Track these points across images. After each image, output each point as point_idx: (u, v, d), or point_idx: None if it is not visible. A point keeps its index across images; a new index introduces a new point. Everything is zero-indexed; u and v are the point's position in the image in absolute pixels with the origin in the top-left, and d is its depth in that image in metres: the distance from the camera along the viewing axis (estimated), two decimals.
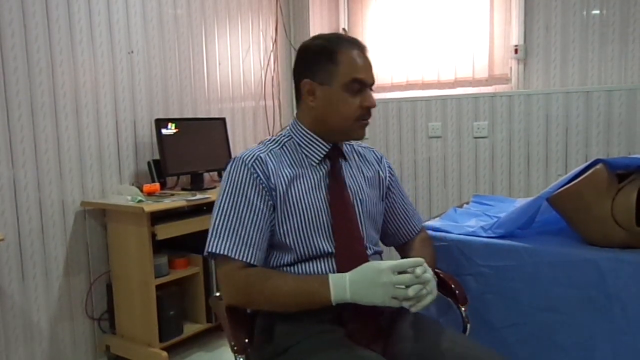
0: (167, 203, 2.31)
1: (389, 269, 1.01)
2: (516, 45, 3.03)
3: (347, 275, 1.04)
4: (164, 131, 2.59)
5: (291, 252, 1.15)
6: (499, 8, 3.12)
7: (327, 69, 1.16)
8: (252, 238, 1.11)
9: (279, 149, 1.21)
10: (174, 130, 2.64)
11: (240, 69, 3.30)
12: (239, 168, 1.14)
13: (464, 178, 3.15)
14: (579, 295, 1.26)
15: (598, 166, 1.28)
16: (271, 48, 3.50)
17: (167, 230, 2.35)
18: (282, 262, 1.15)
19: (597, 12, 2.86)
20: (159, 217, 2.34)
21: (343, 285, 1.03)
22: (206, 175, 2.84)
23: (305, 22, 3.51)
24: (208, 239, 1.13)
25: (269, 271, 1.14)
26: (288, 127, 1.26)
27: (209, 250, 1.12)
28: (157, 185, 2.52)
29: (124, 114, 2.61)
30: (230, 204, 1.13)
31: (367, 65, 1.20)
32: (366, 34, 3.58)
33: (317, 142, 1.22)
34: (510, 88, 3.11)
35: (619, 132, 2.73)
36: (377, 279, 1.01)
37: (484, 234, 1.44)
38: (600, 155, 2.74)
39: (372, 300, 1.02)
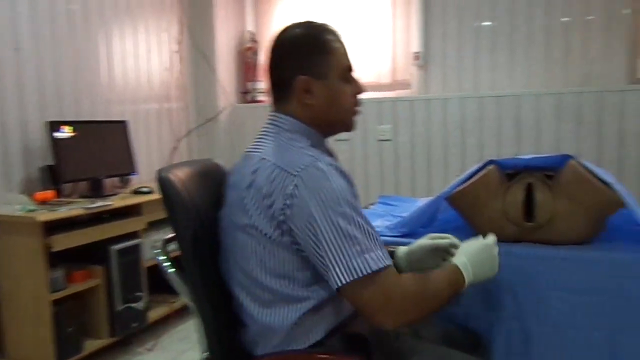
0: (63, 212, 2.17)
1: (494, 244, 1.13)
2: (416, 52, 3.19)
3: (465, 258, 1.09)
4: (58, 134, 2.42)
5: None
6: (400, 16, 3.26)
7: (322, 61, 1.07)
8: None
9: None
10: (71, 134, 2.48)
11: (143, 70, 3.17)
12: (338, 175, 0.98)
13: (370, 180, 3.25)
14: (475, 288, 1.33)
15: (490, 167, 1.37)
16: (176, 49, 3.40)
17: (65, 241, 2.20)
18: (322, 297, 1.04)
19: (489, 23, 3.08)
20: (55, 227, 2.18)
21: (468, 269, 1.07)
22: (107, 182, 2.70)
23: (210, 23, 3.45)
24: (350, 261, 0.94)
25: (415, 273, 1.05)
26: (279, 129, 1.08)
27: (372, 269, 0.93)
28: (51, 192, 2.35)
29: (11, 115, 2.40)
30: (357, 211, 0.98)
31: (347, 50, 1.13)
32: None
33: (322, 141, 1.14)
34: (411, 93, 3.26)
35: (508, 134, 2.96)
36: (491, 253, 1.11)
37: (390, 233, 1.48)
38: (493, 156, 2.91)
39: (488, 276, 1.10)
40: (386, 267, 0.95)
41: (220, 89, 3.50)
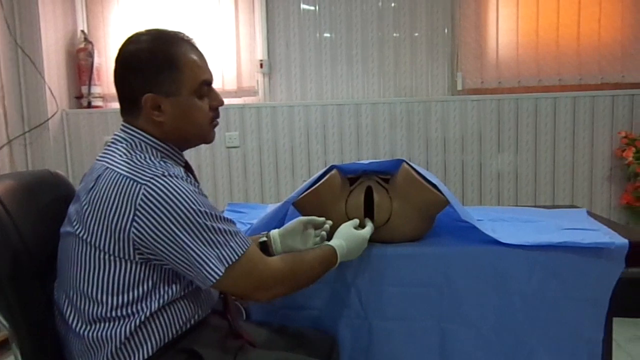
0: None
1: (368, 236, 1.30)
2: (261, 60, 3.21)
3: (344, 242, 1.24)
4: None
5: (178, 283, 1.04)
6: (243, 23, 3.25)
7: (171, 79, 1.03)
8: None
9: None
10: None
11: None
12: (179, 181, 0.98)
13: (218, 187, 3.20)
14: (324, 289, 1.38)
15: (333, 172, 1.40)
16: None
17: None
18: (168, 297, 1.02)
19: (328, 35, 3.22)
20: None
21: (343, 252, 1.22)
22: None
23: (33, 19, 3.09)
24: (220, 252, 0.99)
25: (287, 253, 1.20)
26: (129, 141, 1.05)
27: (238, 254, 1.01)
28: None
29: None
30: (209, 205, 1.01)
31: (205, 61, 1.11)
32: (110, 39, 3.35)
33: (177, 155, 1.11)
34: (258, 100, 3.27)
35: (349, 140, 3.13)
36: (363, 244, 1.28)
37: None
38: (336, 161, 3.10)
39: (352, 259, 1.28)
40: (249, 248, 1.03)
41: (49, 93, 3.16)
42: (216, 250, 0.98)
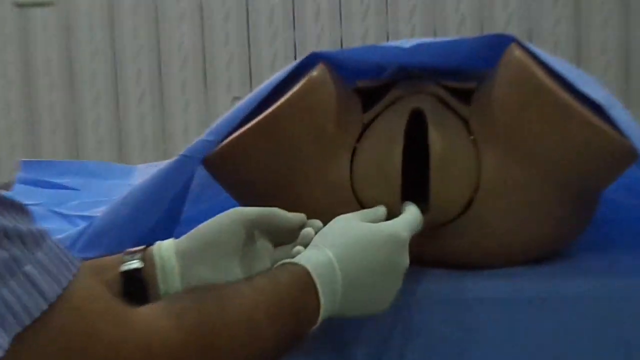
0: None
1: (408, 236, 1.19)
2: None
3: (330, 253, 1.13)
4: None
5: None
6: None
7: None
8: None
9: None
10: None
11: None
12: None
13: None
14: None
15: (315, 72, 1.27)
16: None
17: None
18: None
19: None
20: None
21: (335, 283, 1.12)
22: None
23: None
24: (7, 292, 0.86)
25: (193, 290, 1.13)
26: None
27: (23, 318, 0.86)
28: None
29: None
30: None
31: None
32: None
33: None
34: None
35: None
36: (395, 258, 1.17)
37: None
38: (323, 43, 3.08)
39: (378, 308, 1.17)
40: (76, 280, 0.93)
41: None
42: None
